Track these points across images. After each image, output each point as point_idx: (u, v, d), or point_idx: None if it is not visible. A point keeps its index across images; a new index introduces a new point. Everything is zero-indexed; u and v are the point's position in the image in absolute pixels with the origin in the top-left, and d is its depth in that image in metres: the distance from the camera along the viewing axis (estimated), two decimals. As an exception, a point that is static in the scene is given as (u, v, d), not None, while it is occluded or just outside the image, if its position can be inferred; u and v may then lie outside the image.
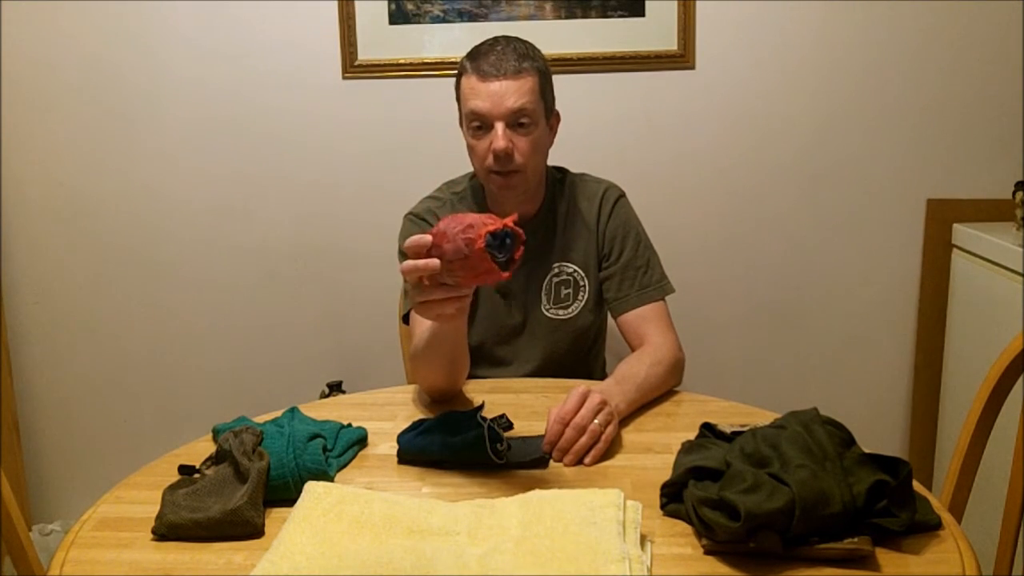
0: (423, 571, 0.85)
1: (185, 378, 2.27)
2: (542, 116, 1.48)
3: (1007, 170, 2.04)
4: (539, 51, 1.49)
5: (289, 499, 1.01)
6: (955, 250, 2.06)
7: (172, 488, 1.03)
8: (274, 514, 1.01)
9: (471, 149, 1.49)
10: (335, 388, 2.19)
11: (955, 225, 2.06)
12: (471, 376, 1.60)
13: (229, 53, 2.10)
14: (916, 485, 0.99)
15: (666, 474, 1.05)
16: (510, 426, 1.23)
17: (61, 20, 2.10)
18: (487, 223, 1.03)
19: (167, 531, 0.97)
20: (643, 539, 0.91)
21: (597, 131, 2.09)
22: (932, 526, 0.95)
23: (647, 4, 2.03)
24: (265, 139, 2.14)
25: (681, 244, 2.12)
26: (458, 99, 1.50)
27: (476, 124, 1.45)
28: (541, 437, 1.17)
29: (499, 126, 1.42)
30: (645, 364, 1.37)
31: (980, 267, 1.92)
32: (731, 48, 2.05)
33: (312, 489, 0.99)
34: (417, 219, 1.57)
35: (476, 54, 1.46)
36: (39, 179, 2.18)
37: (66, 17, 2.09)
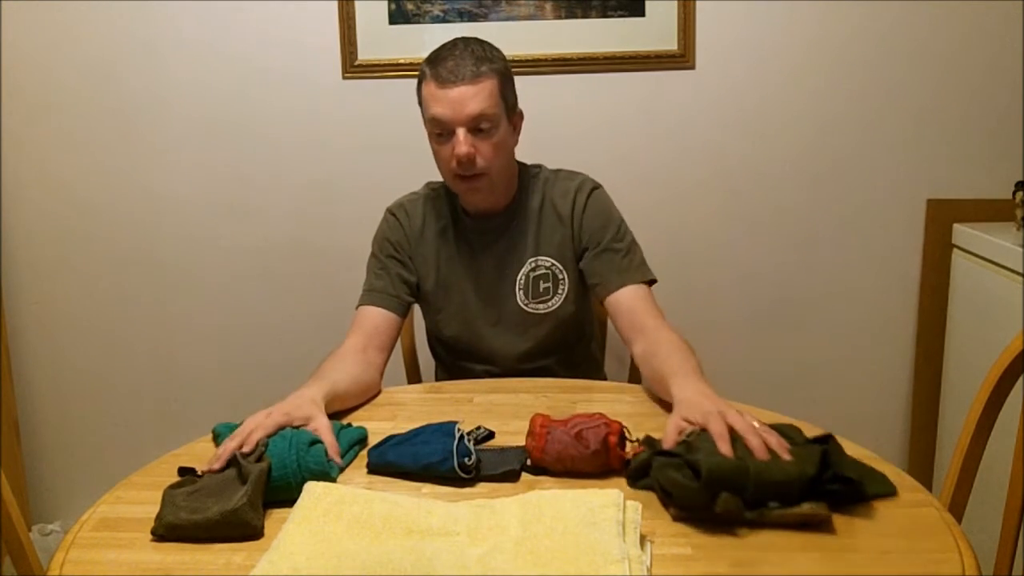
0: (423, 571, 0.85)
1: (185, 378, 2.27)
2: (503, 117, 1.47)
3: (1007, 170, 2.04)
4: (498, 51, 1.49)
5: (291, 500, 1.01)
6: (955, 250, 2.06)
7: (173, 488, 1.03)
8: (274, 515, 1.01)
9: (435, 154, 1.50)
10: (335, 388, 2.18)
11: (955, 225, 2.06)
12: (465, 372, 1.62)
13: (229, 53, 2.10)
14: (881, 462, 1.08)
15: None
16: (490, 436, 1.22)
17: (61, 20, 2.10)
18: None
19: (166, 532, 0.97)
20: (643, 539, 0.91)
21: (597, 131, 2.09)
22: (888, 494, 1.02)
23: (647, 4, 2.03)
24: (265, 139, 2.15)
25: (681, 244, 2.12)
26: (420, 104, 1.51)
27: (438, 131, 1.45)
28: (518, 448, 1.15)
29: (460, 132, 1.43)
30: (687, 352, 1.35)
31: (980, 267, 1.92)
32: (731, 48, 2.05)
33: (312, 489, 0.99)
34: (389, 214, 1.63)
35: (435, 60, 1.46)
36: (39, 179, 2.19)
37: (66, 17, 2.09)
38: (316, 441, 1.12)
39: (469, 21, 2.04)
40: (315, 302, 2.22)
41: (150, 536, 0.98)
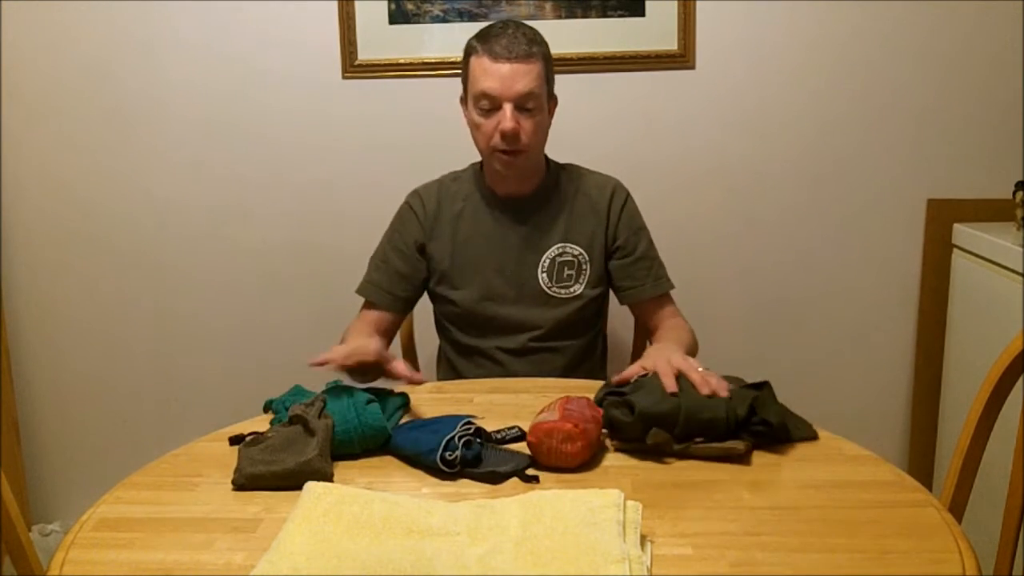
0: (423, 571, 0.85)
1: (185, 379, 2.27)
2: (545, 100, 1.53)
3: (1007, 170, 2.04)
4: (543, 36, 1.55)
5: (353, 455, 1.15)
6: (955, 250, 2.06)
7: (247, 445, 1.14)
8: (275, 514, 1.01)
9: (477, 128, 1.54)
10: (335, 388, 2.18)
11: (955, 225, 2.06)
12: (474, 351, 1.65)
13: (229, 53, 2.10)
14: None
15: (666, 474, 1.08)
16: (520, 437, 1.21)
17: (61, 21, 2.10)
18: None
19: (247, 481, 1.07)
20: (643, 539, 0.91)
21: (597, 131, 2.09)
22: (810, 438, 1.19)
23: (647, 4, 2.03)
24: (265, 139, 2.14)
25: (681, 244, 2.11)
26: (465, 79, 1.55)
27: (485, 104, 1.50)
28: (520, 454, 1.15)
29: (507, 107, 1.48)
30: (683, 334, 1.58)
31: (980, 267, 1.92)
32: (731, 48, 2.05)
33: (312, 489, 0.99)
34: (405, 203, 1.67)
35: (487, 36, 1.51)
36: (39, 180, 2.18)
37: (66, 18, 2.09)
38: (372, 400, 1.20)
39: (469, 21, 2.04)
40: (315, 303, 2.22)
41: (230, 486, 1.07)
